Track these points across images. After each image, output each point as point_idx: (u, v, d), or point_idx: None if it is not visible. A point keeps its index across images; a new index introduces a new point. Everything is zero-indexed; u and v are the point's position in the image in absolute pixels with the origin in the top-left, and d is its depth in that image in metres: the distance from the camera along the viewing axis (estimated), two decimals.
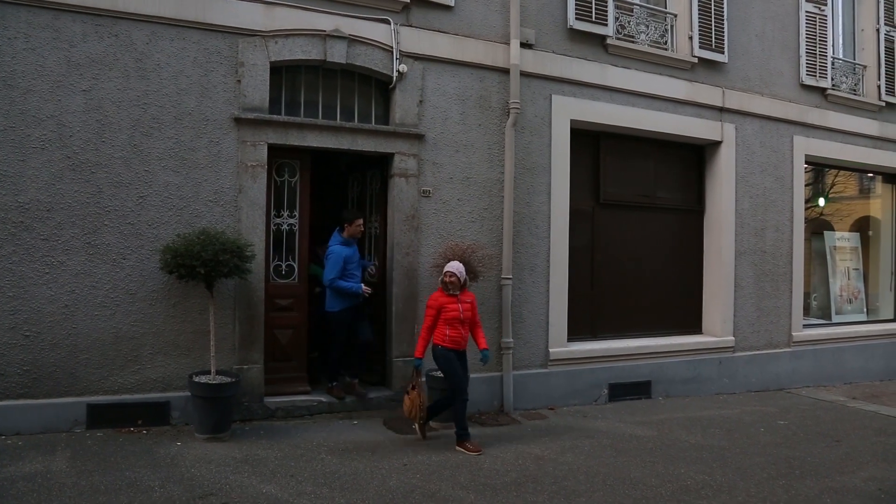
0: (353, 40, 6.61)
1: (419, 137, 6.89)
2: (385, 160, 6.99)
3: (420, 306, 6.86)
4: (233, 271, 5.61)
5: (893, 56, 10.74)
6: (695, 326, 9.06)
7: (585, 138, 8.09)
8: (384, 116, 7.01)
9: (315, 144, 6.55)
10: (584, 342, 8.00)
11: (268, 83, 6.32)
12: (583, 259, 8.14)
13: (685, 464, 5.70)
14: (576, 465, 5.53)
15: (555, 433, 6.52)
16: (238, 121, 6.17)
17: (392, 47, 6.76)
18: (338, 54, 6.55)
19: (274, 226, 6.64)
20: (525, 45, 7.36)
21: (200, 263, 5.39)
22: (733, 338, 8.95)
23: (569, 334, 7.72)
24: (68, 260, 5.63)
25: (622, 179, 8.55)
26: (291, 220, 6.74)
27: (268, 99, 6.33)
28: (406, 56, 6.84)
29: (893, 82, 10.72)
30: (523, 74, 7.33)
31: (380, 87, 6.99)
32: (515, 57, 7.22)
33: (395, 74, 6.78)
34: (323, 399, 6.63)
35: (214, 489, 4.58)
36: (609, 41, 7.95)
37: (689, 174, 9.17)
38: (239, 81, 6.19)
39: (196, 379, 5.65)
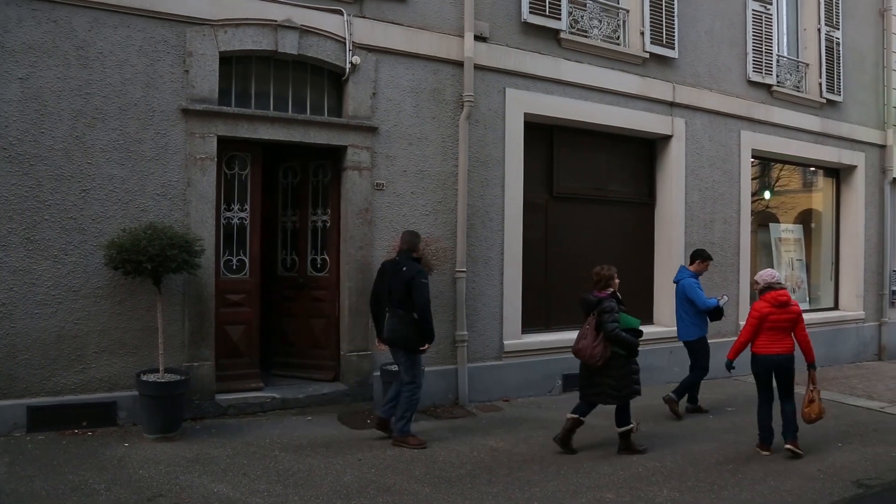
0: (305, 31, 6.50)
1: (372, 130, 6.83)
2: (337, 153, 6.91)
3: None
4: (181, 266, 5.47)
5: (833, 55, 11.10)
6: (646, 317, 9.21)
7: (539, 131, 8.15)
8: (337, 109, 6.92)
9: (266, 137, 6.43)
10: (539, 334, 8.08)
11: (217, 74, 6.17)
12: (537, 251, 8.21)
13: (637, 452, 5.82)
14: (530, 456, 5.60)
15: (510, 424, 6.57)
16: (186, 112, 6.01)
17: (345, 39, 6.67)
18: (289, 45, 6.43)
19: (224, 220, 6.51)
20: (479, 38, 7.35)
21: (147, 259, 5.24)
22: (677, 327, 9.11)
23: (523, 326, 7.80)
24: (6, 256, 5.40)
25: (575, 172, 8.65)
26: (242, 214, 6.61)
27: (217, 90, 6.18)
28: (359, 48, 6.77)
29: (833, 80, 11.08)
30: (477, 67, 7.32)
31: (333, 79, 6.90)
32: (469, 50, 7.21)
33: (349, 66, 6.70)
34: (276, 395, 6.54)
35: (163, 490, 4.48)
36: (562, 35, 8.01)
37: (640, 167, 9.33)
38: (187, 72, 6.03)
39: (144, 377, 5.51)
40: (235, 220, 6.59)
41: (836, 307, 11.72)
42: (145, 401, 5.51)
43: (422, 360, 5.95)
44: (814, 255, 11.94)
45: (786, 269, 11.24)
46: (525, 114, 7.75)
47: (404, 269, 5.68)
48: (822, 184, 12.08)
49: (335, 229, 7.05)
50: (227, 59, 6.31)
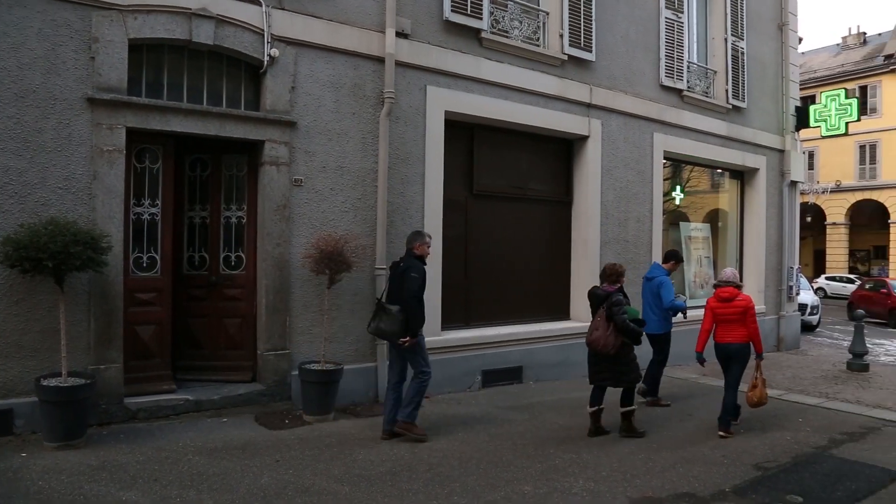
0: (221, 21, 6.30)
1: (291, 125, 6.70)
2: (254, 147, 6.73)
3: (293, 298, 6.70)
4: (86, 264, 5.19)
5: (738, 64, 11.71)
6: (563, 313, 9.47)
7: (460, 130, 8.21)
8: (254, 102, 6.75)
9: (180, 129, 6.19)
10: (458, 330, 8.14)
11: (126, 62, 5.88)
12: (456, 249, 8.27)
13: (554, 444, 5.96)
14: (450, 451, 5.63)
15: (430, 421, 6.57)
16: (92, 101, 5.70)
17: (263, 30, 6.51)
18: (204, 35, 6.22)
19: (134, 215, 6.23)
20: (401, 34, 7.33)
21: (48, 256, 4.95)
22: None
23: (443, 323, 7.83)
24: None
25: (495, 171, 8.76)
26: (153, 210, 6.35)
27: (126, 79, 5.89)
28: (278, 40, 6.61)
29: (738, 88, 11.69)
30: (398, 64, 7.30)
31: (250, 72, 6.72)
32: (391, 46, 7.18)
33: (267, 59, 6.54)
34: (189, 397, 6.31)
35: (66, 501, 4.25)
36: (484, 35, 8.09)
37: (558, 167, 9.55)
38: (93, 58, 5.72)
39: (44, 382, 5.19)
40: (146, 216, 6.31)
41: None
42: (46, 407, 5.19)
43: (424, 348, 6.05)
44: (720, 252, 12.56)
45: (695, 266, 11.77)
46: (446, 112, 7.80)
47: (402, 264, 5.98)
48: (728, 185, 12.73)
49: (252, 225, 6.87)
50: (137, 47, 6.03)
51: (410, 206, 7.53)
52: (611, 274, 6.39)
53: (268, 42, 6.54)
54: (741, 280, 12.48)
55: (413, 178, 7.55)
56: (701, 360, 6.74)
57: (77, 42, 5.66)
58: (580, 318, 9.35)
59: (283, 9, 6.65)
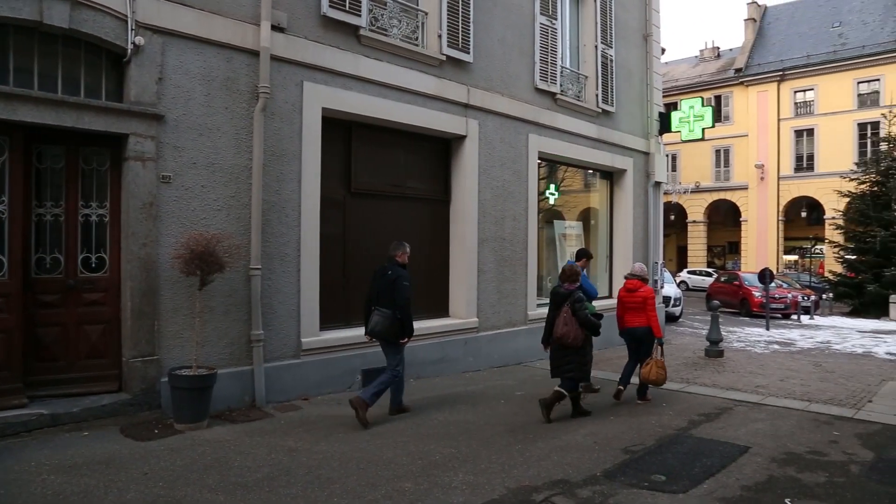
0: (77, 3, 5.86)
1: (158, 118, 6.33)
2: (117, 141, 6.31)
3: (161, 301, 6.35)
4: None
5: (608, 70, 12.34)
6: (443, 310, 9.58)
7: (337, 127, 8.10)
8: (117, 93, 6.33)
9: (30, 119, 5.70)
10: (338, 330, 8.04)
11: None
12: (335, 247, 8.16)
13: (435, 440, 6.02)
14: (330, 453, 5.55)
15: (309, 423, 6.47)
16: None
17: (127, 16, 6.12)
18: (58, 17, 5.76)
19: None
20: (276, 28, 7.13)
21: None
22: (477, 319, 9.64)
23: (321, 323, 7.71)
24: None
25: (374, 169, 8.73)
26: (0, 207, 5.80)
27: None
28: (144, 27, 6.24)
29: (608, 93, 12.31)
30: (274, 58, 7.10)
31: (112, 60, 6.30)
32: (266, 39, 6.96)
33: (131, 47, 6.15)
34: (44, 411, 5.81)
35: None
36: (362, 32, 8.02)
37: (437, 166, 9.65)
38: None
39: None
40: None
41: (610, 296, 13.01)
42: None
43: (403, 351, 6.77)
44: (592, 248, 13.10)
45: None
46: (323, 108, 7.66)
47: (389, 272, 6.66)
48: (599, 185, 13.38)
49: (115, 224, 6.43)
50: None
51: (287, 204, 7.35)
52: (570, 275, 7.04)
53: (132, 29, 6.15)
54: (613, 275, 13.25)
55: (289, 175, 7.37)
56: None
57: None
58: (459, 314, 9.52)
59: None
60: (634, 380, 7.83)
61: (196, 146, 6.62)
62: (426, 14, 9.04)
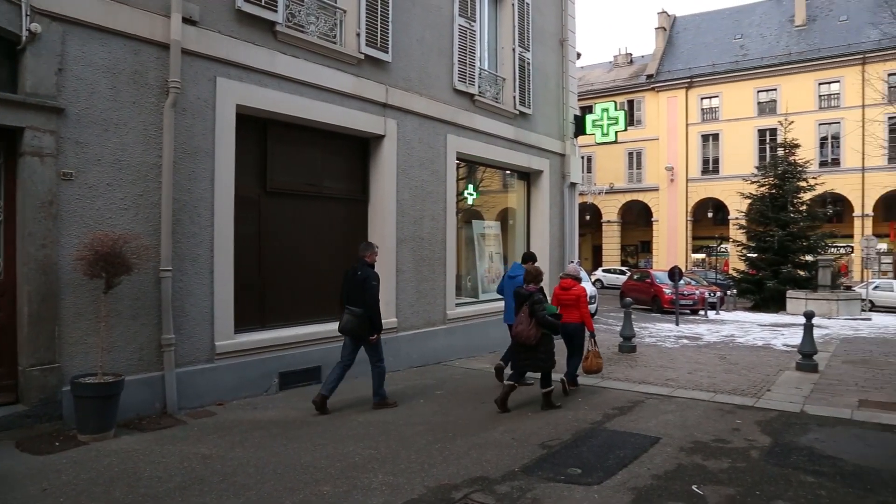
0: None
1: (58, 111, 5.98)
2: (11, 135, 5.92)
3: (63, 305, 6.01)
4: None
5: (525, 73, 12.58)
6: None
7: (253, 124, 7.90)
8: (11, 83, 5.93)
9: None
10: (253, 332, 7.84)
11: None
12: (250, 248, 7.96)
13: (353, 441, 5.97)
14: (245, 459, 5.41)
15: (224, 429, 6.29)
16: None
17: (20, 1, 5.74)
18: None
19: None
20: (188, 20, 6.87)
21: None
22: (396, 319, 9.61)
23: (236, 325, 7.50)
24: None
25: (290, 168, 8.56)
26: None
27: None
28: (41, 14, 5.87)
29: (525, 95, 12.56)
30: (185, 52, 6.85)
31: (5, 48, 5.89)
32: (177, 32, 6.71)
33: (25, 34, 5.78)
34: None
35: None
36: (278, 28, 7.85)
37: (355, 165, 9.57)
38: None
39: None
40: None
41: None
42: None
43: (382, 344, 7.38)
44: (510, 248, 13.40)
45: (487, 262, 12.44)
46: (238, 105, 7.45)
47: (359, 273, 7.17)
48: (517, 186, 13.62)
49: (10, 224, 6.02)
50: None
51: (199, 203, 7.10)
52: (534, 276, 7.46)
53: (26, 14, 5.77)
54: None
55: (202, 173, 7.12)
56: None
57: None
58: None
59: None
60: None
61: (101, 142, 6.29)
62: (344, 12, 8.94)
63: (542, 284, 7.53)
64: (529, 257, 9.00)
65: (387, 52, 9.36)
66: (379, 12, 9.22)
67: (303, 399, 7.53)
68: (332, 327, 8.63)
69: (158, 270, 6.64)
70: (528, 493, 4.77)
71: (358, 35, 8.94)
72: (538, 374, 7.48)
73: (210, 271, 7.19)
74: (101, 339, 5.99)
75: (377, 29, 9.20)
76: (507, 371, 8.14)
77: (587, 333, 8.20)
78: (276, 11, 7.77)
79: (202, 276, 7.13)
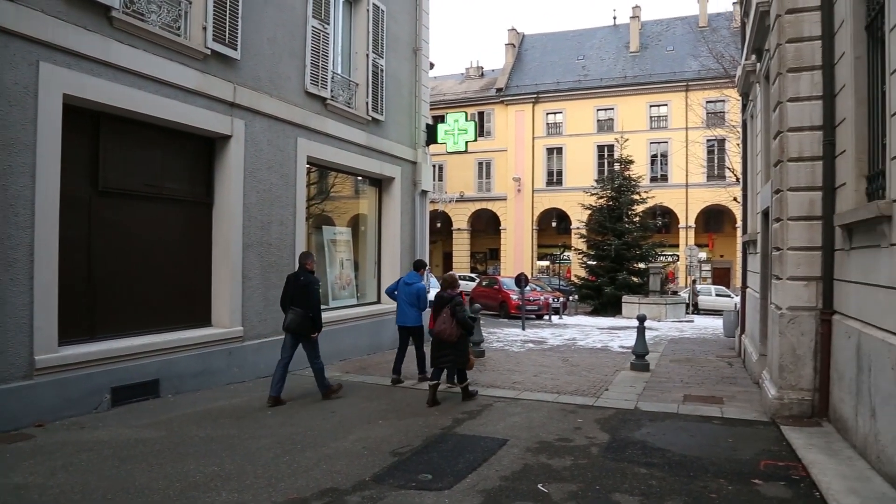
0: None
1: None
2: None
3: None
4: None
5: (378, 79, 12.59)
6: (204, 319, 9.00)
7: (83, 117, 7.24)
8: None
9: None
10: (81, 345, 7.16)
11: None
12: (79, 252, 7.28)
13: (195, 459, 5.62)
14: (69, 486, 4.91)
15: (43, 454, 5.67)
16: None
17: None
18: None
19: None
20: None
21: None
22: (242, 328, 9.21)
23: (61, 337, 6.81)
24: None
25: (126, 167, 7.94)
26: None
27: None
28: None
29: (378, 101, 12.56)
30: (2, 31, 6.15)
31: None
32: None
33: None
34: None
35: None
36: (114, 14, 7.26)
37: (198, 166, 9.06)
38: None
39: None
40: None
41: (378, 301, 13.26)
42: None
43: (318, 343, 8.17)
44: (361, 254, 13.32)
45: (338, 268, 12.28)
46: (65, 95, 6.78)
47: (301, 278, 8.10)
48: (369, 192, 13.58)
49: None
50: None
51: (17, 202, 6.37)
52: (452, 282, 8.64)
53: None
54: (381, 281, 13.51)
55: (20, 168, 6.39)
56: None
57: None
58: (222, 323, 9.02)
59: None
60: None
61: None
62: (190, 3, 8.44)
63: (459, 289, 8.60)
64: (421, 265, 10.20)
65: (235, 49, 8.97)
66: (228, 7, 8.81)
67: (138, 415, 6.99)
68: (172, 337, 8.17)
69: None
70: (379, 503, 4.73)
71: (204, 29, 8.49)
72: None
73: (30, 277, 6.46)
74: None
75: (226, 24, 8.79)
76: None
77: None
78: None
79: (20, 283, 6.39)
